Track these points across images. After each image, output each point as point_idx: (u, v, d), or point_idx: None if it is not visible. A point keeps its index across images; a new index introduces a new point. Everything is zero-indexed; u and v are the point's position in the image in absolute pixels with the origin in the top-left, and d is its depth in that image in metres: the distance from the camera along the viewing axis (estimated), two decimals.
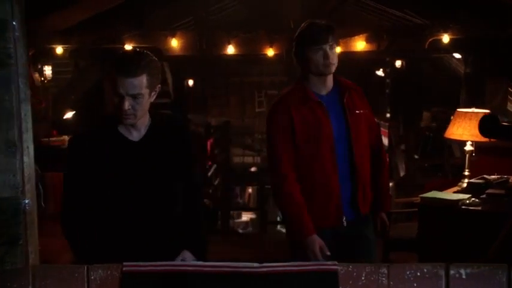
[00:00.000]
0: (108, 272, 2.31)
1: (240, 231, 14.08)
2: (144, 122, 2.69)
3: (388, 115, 13.04)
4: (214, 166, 11.84)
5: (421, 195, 4.71)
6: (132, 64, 2.50)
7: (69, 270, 2.32)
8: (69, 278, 2.31)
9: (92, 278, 2.31)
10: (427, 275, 2.26)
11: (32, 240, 2.39)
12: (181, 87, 13.03)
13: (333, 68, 3.21)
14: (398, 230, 5.37)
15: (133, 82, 2.49)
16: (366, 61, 10.12)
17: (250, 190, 15.34)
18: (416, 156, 10.98)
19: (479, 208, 4.44)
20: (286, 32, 6.72)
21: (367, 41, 7.30)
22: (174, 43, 7.08)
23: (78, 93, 10.95)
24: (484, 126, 2.50)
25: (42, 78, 7.37)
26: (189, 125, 12.71)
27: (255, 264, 2.30)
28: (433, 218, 4.59)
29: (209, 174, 11.74)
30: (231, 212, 13.31)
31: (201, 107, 14.40)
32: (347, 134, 3.26)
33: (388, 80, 13.62)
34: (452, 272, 2.25)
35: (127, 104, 2.51)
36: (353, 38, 7.23)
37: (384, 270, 2.26)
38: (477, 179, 4.88)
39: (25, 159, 2.32)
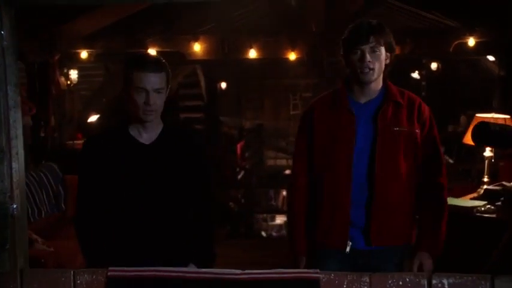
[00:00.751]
0: (94, 277, 2.34)
1: (274, 234, 14.07)
2: (155, 125, 2.75)
3: None
4: (244, 169, 11.84)
5: None
6: (156, 61, 2.67)
7: (56, 275, 2.37)
8: (56, 282, 2.35)
9: (78, 282, 2.35)
10: (409, 285, 2.24)
11: (20, 244, 2.43)
12: (213, 89, 13.08)
13: (373, 75, 2.80)
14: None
15: (158, 77, 2.62)
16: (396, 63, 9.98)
17: (284, 193, 15.31)
18: (451, 161, 10.83)
19: (494, 215, 4.36)
20: (308, 35, 6.73)
21: None
22: (197, 47, 7.14)
23: (109, 97, 11.13)
24: (475, 133, 2.46)
25: (69, 82, 7.52)
26: (221, 127, 12.80)
27: (237, 271, 2.31)
28: (448, 224, 4.51)
29: (239, 177, 11.76)
30: (265, 214, 13.29)
31: (235, 109, 14.43)
32: (372, 152, 2.85)
33: (423, 83, 13.47)
34: (434, 281, 2.23)
35: (153, 99, 2.61)
36: None
37: (366, 278, 2.25)
38: (494, 186, 4.80)
39: (14, 165, 2.37)
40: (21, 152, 2.44)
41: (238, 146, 12.22)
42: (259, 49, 7.14)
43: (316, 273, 2.28)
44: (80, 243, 2.77)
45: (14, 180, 2.39)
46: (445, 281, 2.22)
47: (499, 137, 2.46)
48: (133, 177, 2.69)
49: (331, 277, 2.26)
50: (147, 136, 2.73)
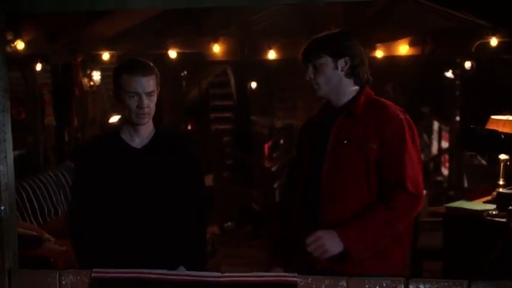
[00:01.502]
0: (78, 278, 2.40)
1: None
2: (147, 129, 2.79)
3: (458, 118, 12.73)
4: (269, 170, 11.82)
5: (446, 205, 4.62)
6: (145, 65, 2.73)
7: (42, 275, 2.43)
8: (43, 282, 2.41)
9: (63, 282, 2.41)
10: None
11: (10, 244, 2.48)
12: (244, 89, 13.08)
13: (319, 90, 2.73)
14: (427, 238, 5.26)
15: (149, 81, 2.68)
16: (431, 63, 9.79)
17: None
18: (484, 162, 10.68)
19: (504, 220, 4.29)
20: None
21: (411, 44, 7.11)
22: (217, 48, 7.20)
23: None
24: (462, 139, 2.43)
25: (92, 83, 7.65)
26: (252, 127, 12.80)
27: (218, 274, 2.35)
28: (458, 228, 4.48)
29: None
30: None
31: (266, 109, 14.39)
32: (320, 168, 2.70)
33: (457, 82, 13.27)
34: (411, 287, 2.22)
35: (145, 102, 2.67)
36: (396, 42, 7.09)
37: (343, 283, 2.25)
38: (508, 189, 4.72)
39: (1, 168, 2.42)
40: (10, 155, 2.48)
41: (266, 146, 12.18)
42: (279, 50, 7.15)
43: (294, 277, 2.29)
44: (73, 247, 2.82)
45: (2, 182, 2.44)
46: (421, 286, 2.21)
47: (487, 142, 2.44)
48: (126, 181, 2.73)
49: (309, 281, 2.27)
50: (138, 140, 2.77)
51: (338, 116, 2.74)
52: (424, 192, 8.45)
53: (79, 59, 7.22)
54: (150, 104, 2.70)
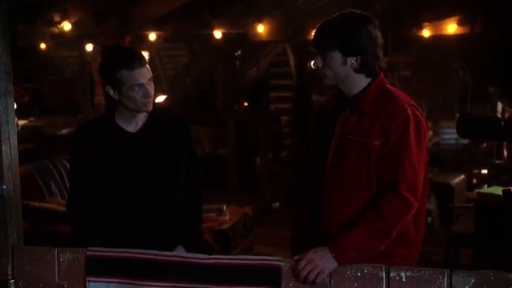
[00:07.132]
0: (75, 256, 2.50)
1: None
2: (143, 113, 2.83)
3: None
4: None
5: (478, 191, 4.53)
6: (139, 55, 2.72)
7: (41, 252, 2.54)
8: (42, 259, 2.53)
9: (61, 260, 2.51)
10: (367, 276, 2.24)
11: (13, 222, 2.59)
12: (303, 68, 13.00)
13: (325, 80, 2.51)
14: (461, 225, 5.16)
15: (147, 68, 2.71)
16: None
17: None
18: None
19: None
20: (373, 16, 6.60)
21: (459, 23, 6.84)
22: (261, 29, 7.18)
23: (193, 76, 11.39)
24: (458, 126, 2.36)
25: None
26: (313, 106, 12.73)
27: (204, 256, 2.39)
28: (489, 214, 4.36)
29: None
30: None
31: (328, 88, 14.22)
32: (325, 160, 2.54)
33: None
34: (392, 274, 2.22)
35: (150, 90, 2.69)
36: (444, 20, 6.85)
37: None
38: None
39: (4, 148, 2.53)
40: (14, 136, 2.58)
41: None
42: None
43: (278, 260, 2.32)
44: (71, 231, 2.87)
45: (5, 163, 2.54)
46: (402, 274, 2.21)
47: (485, 130, 2.37)
48: (122, 166, 2.75)
49: (292, 265, 2.29)
50: (133, 125, 2.79)
51: (347, 106, 2.53)
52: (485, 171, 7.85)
53: (127, 40, 7.33)
54: (152, 90, 2.72)
